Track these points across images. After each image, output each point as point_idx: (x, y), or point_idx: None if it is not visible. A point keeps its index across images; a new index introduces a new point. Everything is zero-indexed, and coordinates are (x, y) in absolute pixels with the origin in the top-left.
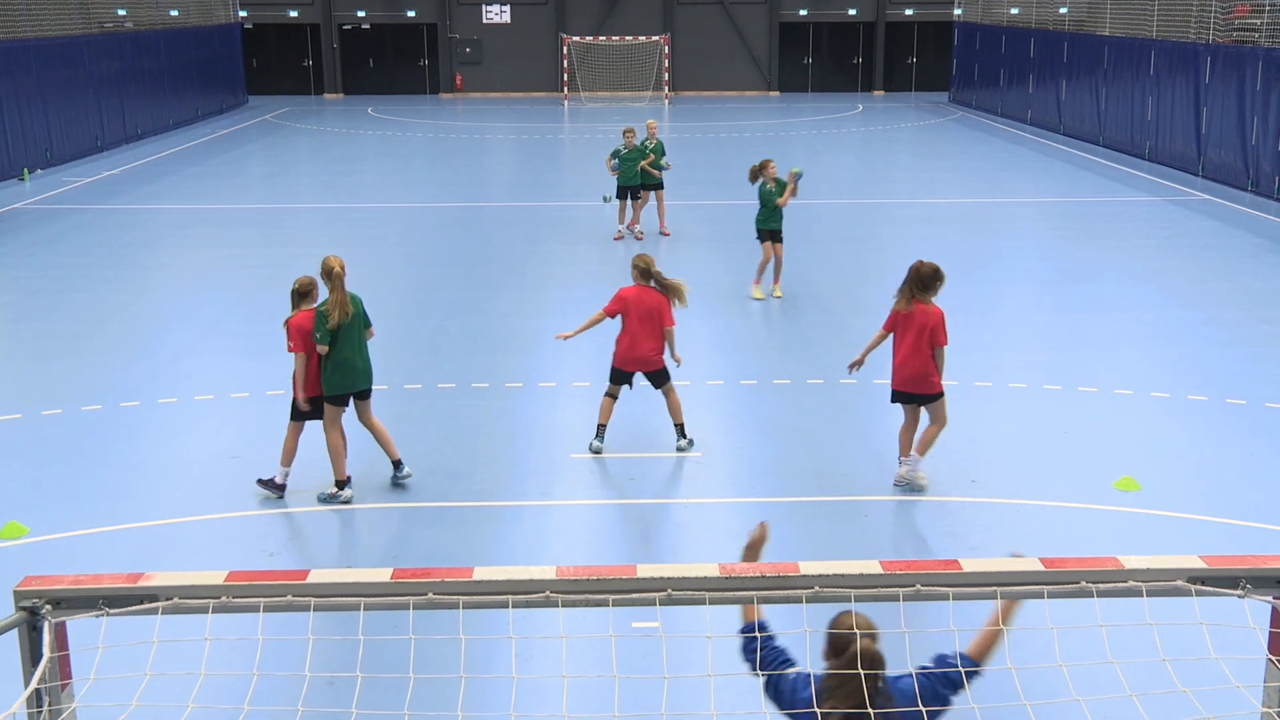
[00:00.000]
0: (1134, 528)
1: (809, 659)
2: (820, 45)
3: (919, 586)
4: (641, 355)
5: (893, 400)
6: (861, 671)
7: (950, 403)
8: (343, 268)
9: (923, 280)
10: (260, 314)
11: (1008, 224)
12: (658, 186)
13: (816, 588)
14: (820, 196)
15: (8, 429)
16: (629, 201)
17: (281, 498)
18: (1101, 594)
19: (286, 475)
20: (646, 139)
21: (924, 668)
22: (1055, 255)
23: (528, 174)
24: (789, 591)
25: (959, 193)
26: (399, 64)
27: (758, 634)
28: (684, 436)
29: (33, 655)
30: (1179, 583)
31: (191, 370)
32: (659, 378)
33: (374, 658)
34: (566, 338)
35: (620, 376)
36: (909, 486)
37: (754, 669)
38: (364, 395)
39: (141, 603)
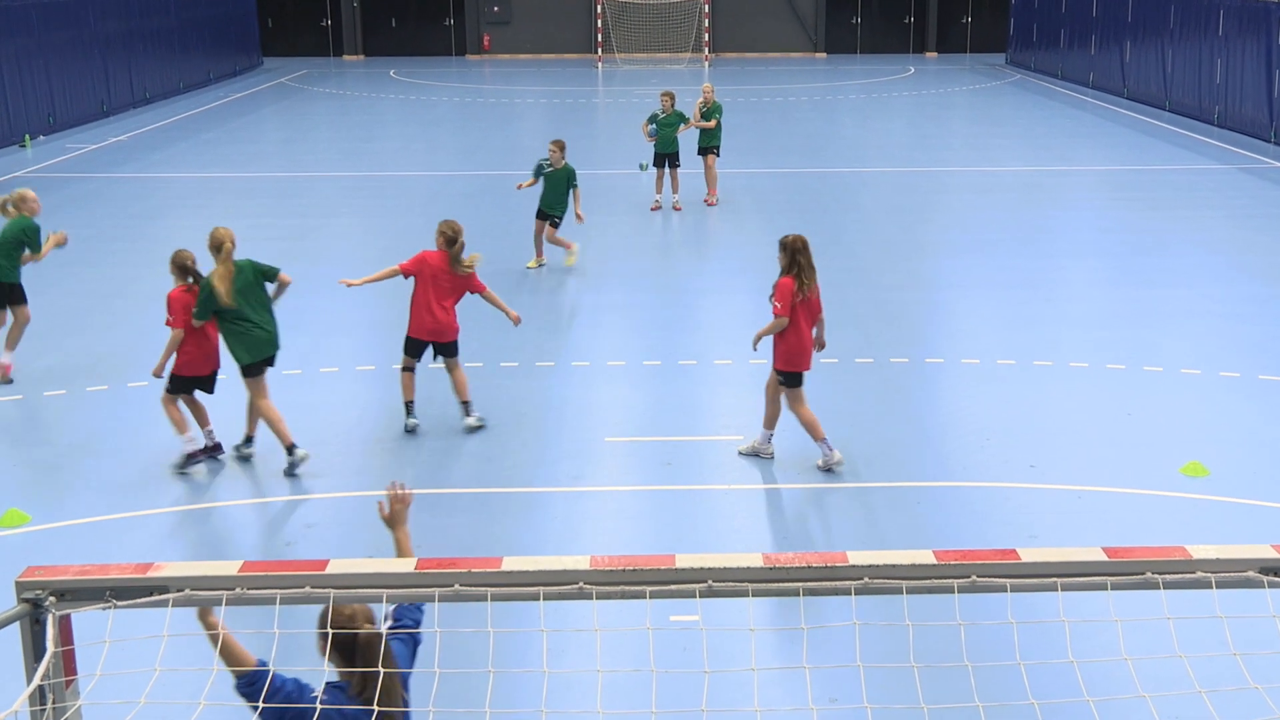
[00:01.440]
0: (1202, 515)
1: (858, 653)
2: (869, 4)
3: (975, 577)
4: (444, 323)
5: (799, 383)
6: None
7: (1008, 382)
8: (233, 241)
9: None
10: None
11: (1069, 194)
12: (712, 149)
13: (866, 579)
14: (869, 164)
15: (8, 411)
16: (666, 169)
17: (213, 457)
18: (1168, 585)
19: (191, 440)
20: (703, 102)
21: (393, 627)
22: (1119, 227)
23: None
24: (837, 583)
25: (1017, 160)
26: (422, 24)
27: (270, 669)
28: (470, 414)
29: (36, 650)
30: (1250, 573)
31: None
32: (450, 349)
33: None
34: (351, 284)
35: (415, 348)
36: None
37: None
38: (268, 364)
39: (151, 594)
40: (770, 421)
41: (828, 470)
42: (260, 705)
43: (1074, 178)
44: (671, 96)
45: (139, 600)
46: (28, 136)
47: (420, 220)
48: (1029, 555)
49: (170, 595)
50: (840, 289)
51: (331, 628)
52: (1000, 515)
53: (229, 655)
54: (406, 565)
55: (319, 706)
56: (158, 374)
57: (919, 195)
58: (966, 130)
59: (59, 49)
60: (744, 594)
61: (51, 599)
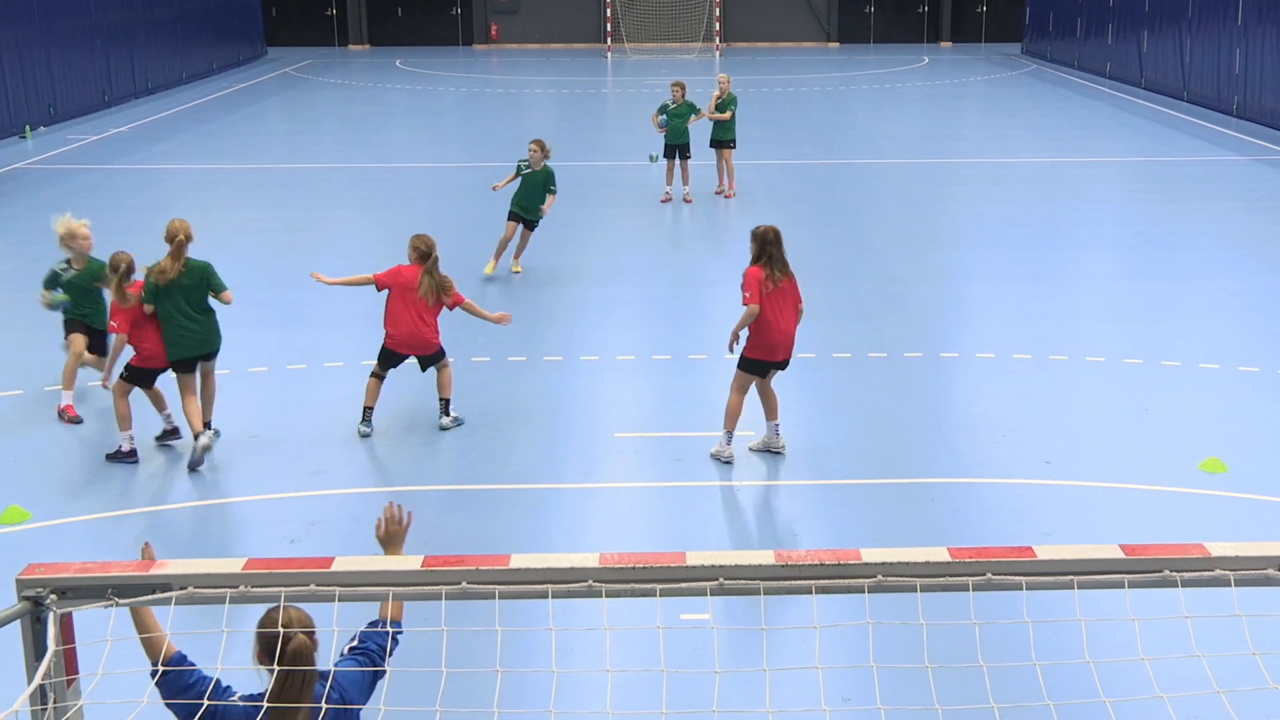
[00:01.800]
0: (1221, 512)
1: (871, 652)
2: None
3: (990, 575)
4: (421, 337)
5: (769, 373)
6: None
7: (1023, 377)
8: (187, 235)
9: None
10: (280, 282)
11: (1085, 185)
12: (728, 143)
13: (880, 576)
14: (883, 156)
15: (8, 405)
16: (677, 161)
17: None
18: (1186, 584)
19: (130, 440)
20: (719, 94)
21: (354, 648)
22: (1136, 219)
23: (568, 132)
24: (850, 581)
25: (1033, 152)
26: (429, 13)
27: (188, 668)
28: (447, 412)
29: (36, 649)
30: (1270, 571)
31: None
32: (434, 360)
33: (403, 651)
34: (324, 281)
35: (393, 360)
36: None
37: (191, 705)
38: (203, 360)
39: (153, 592)
40: (770, 413)
41: (719, 459)
42: (170, 702)
43: (1090, 169)
44: (682, 87)
45: (141, 598)
46: (28, 127)
47: (427, 213)
48: (1045, 553)
49: (173, 593)
50: (853, 282)
51: (264, 629)
52: (1015, 512)
53: (148, 641)
54: (413, 563)
55: (227, 704)
56: (106, 385)
57: (933, 187)
58: (981, 121)
59: (60, 38)
60: (756, 592)
61: (53, 597)
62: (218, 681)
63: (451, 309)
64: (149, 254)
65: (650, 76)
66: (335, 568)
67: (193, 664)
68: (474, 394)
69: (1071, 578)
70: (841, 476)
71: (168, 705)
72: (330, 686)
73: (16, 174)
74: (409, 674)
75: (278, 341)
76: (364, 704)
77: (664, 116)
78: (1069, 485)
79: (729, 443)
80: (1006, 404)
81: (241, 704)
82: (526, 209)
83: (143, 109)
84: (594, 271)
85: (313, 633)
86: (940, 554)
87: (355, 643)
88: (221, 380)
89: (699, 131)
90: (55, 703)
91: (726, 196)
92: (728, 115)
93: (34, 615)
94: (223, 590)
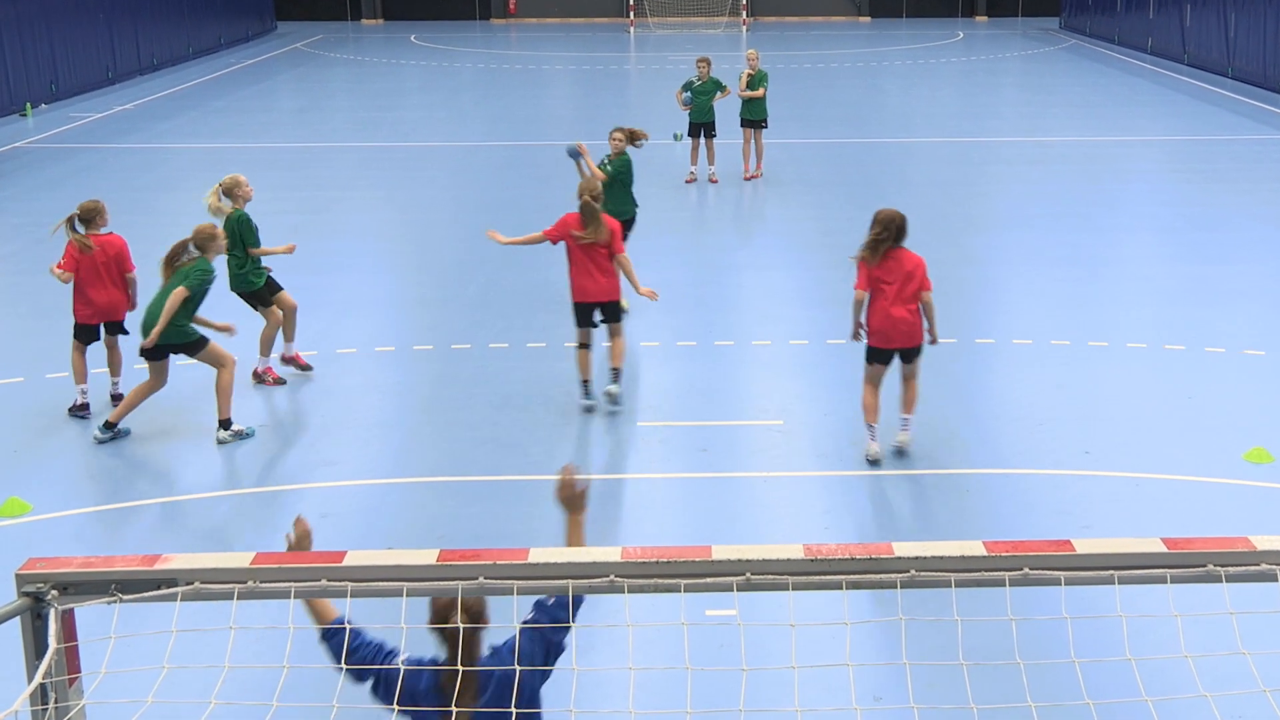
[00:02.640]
0: (1267, 504)
1: (904, 650)
2: None
3: (1027, 570)
4: (602, 286)
5: (871, 359)
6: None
7: (1062, 363)
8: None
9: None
10: (291, 265)
11: (1126, 165)
12: (759, 123)
13: (913, 571)
14: (916, 134)
15: (9, 393)
16: (702, 140)
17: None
18: (1230, 578)
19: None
20: (750, 71)
21: (527, 621)
22: (1179, 200)
23: (590, 110)
24: (882, 576)
25: (1071, 130)
26: None
27: (346, 627)
28: (617, 381)
29: (37, 647)
30: None
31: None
32: (614, 313)
33: (418, 649)
34: (502, 241)
35: (582, 315)
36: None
37: (360, 669)
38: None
39: (159, 588)
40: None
41: (873, 462)
42: (342, 666)
43: (1131, 148)
44: (708, 63)
45: (146, 594)
46: (29, 105)
47: (444, 193)
48: (1084, 546)
49: (179, 588)
50: None
51: (431, 620)
52: (1054, 504)
53: (310, 605)
54: (429, 557)
55: (398, 668)
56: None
57: (968, 167)
58: (1018, 98)
59: (62, 13)
60: (784, 587)
61: (54, 592)
62: (382, 645)
63: (611, 259)
64: (154, 235)
65: (674, 52)
66: (347, 562)
67: (354, 629)
68: (493, 381)
69: (1112, 572)
70: (873, 468)
71: (337, 670)
72: (499, 659)
73: (16, 153)
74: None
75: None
76: (541, 681)
77: (689, 94)
78: (1109, 476)
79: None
80: (1044, 392)
81: (406, 667)
82: (747, 110)
83: (148, 86)
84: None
85: (481, 609)
86: (976, 548)
87: (530, 615)
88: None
89: (725, 110)
90: (56, 703)
91: (752, 177)
92: (761, 92)
93: (34, 612)
94: (230, 586)
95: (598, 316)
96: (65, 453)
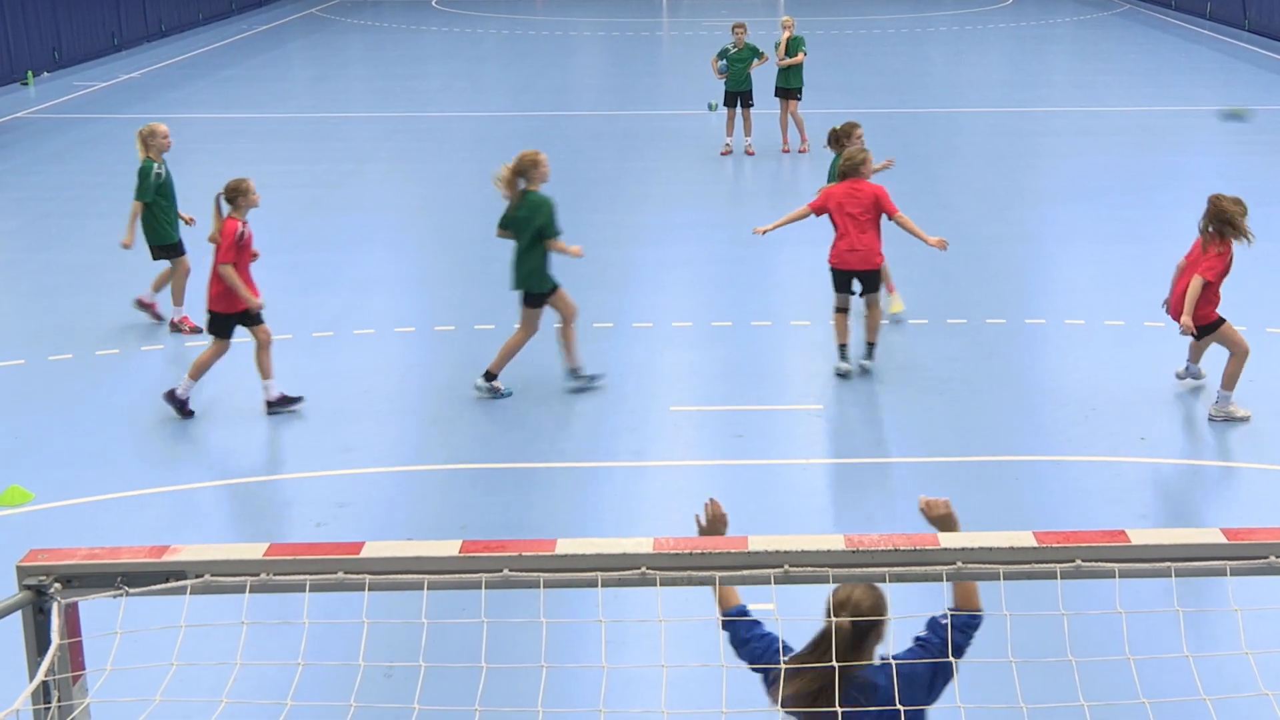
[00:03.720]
0: None
1: (950, 645)
2: None
3: (1079, 562)
4: (860, 253)
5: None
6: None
7: (1116, 345)
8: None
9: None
10: (306, 241)
11: (1184, 136)
12: (793, 93)
13: (959, 563)
14: (963, 104)
15: (10, 377)
16: (738, 110)
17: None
18: None
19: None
20: (787, 36)
21: (920, 638)
22: (1240, 173)
23: (620, 78)
24: (927, 568)
25: (1126, 100)
26: None
27: (750, 620)
28: (871, 357)
29: (39, 642)
30: None
31: None
32: (873, 281)
33: (439, 645)
34: (763, 231)
35: (841, 280)
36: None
37: (753, 661)
38: None
39: (167, 580)
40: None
41: (1225, 419)
42: (739, 651)
43: (1190, 119)
44: (744, 29)
45: (153, 587)
46: (30, 73)
47: (465, 166)
48: (1139, 537)
49: (188, 581)
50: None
51: (826, 614)
52: (1108, 493)
53: (719, 591)
54: (450, 549)
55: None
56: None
57: (1018, 138)
58: (1070, 66)
59: None
60: (824, 580)
61: (57, 585)
62: (774, 639)
63: (890, 218)
64: None
65: (709, 18)
66: (365, 554)
67: (755, 618)
68: (516, 365)
69: (1169, 564)
70: (918, 454)
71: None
72: (876, 677)
73: (17, 124)
74: (445, 670)
75: (301, 306)
76: (927, 702)
77: (724, 62)
78: (1166, 464)
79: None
80: (1098, 375)
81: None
82: (782, 78)
83: (155, 53)
84: (648, 230)
85: (876, 605)
86: (1025, 539)
87: (922, 632)
88: (241, 349)
89: (762, 78)
90: (59, 701)
91: (801, 151)
92: (800, 58)
93: (36, 605)
94: (243, 579)
95: (856, 286)
96: (68, 439)
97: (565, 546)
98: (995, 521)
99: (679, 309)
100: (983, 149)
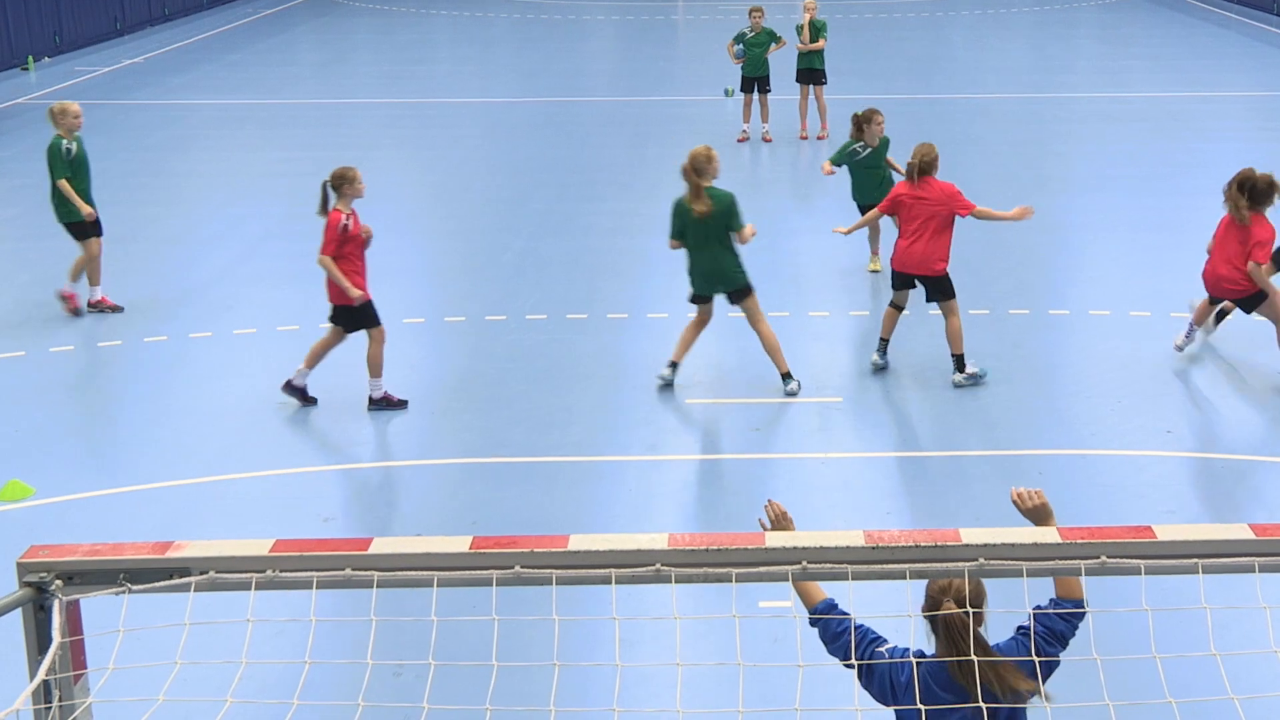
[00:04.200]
0: None
1: (971, 645)
2: None
3: (1104, 558)
4: (916, 256)
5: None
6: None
7: (1142, 336)
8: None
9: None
10: (312, 231)
11: (1211, 123)
12: (816, 78)
13: (981, 560)
14: (985, 90)
15: (10, 369)
16: (755, 95)
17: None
18: None
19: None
20: (808, 17)
21: (1022, 627)
22: (1268, 161)
23: (634, 63)
24: (949, 564)
25: (1152, 85)
26: None
27: (838, 616)
28: (961, 369)
29: (40, 641)
30: None
31: (230, 299)
32: (937, 288)
33: (449, 643)
34: (846, 232)
35: (899, 281)
36: None
37: (846, 657)
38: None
39: (171, 577)
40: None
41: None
42: (830, 647)
43: (1217, 105)
44: (761, 12)
45: (157, 584)
46: (31, 58)
47: (475, 154)
48: (1166, 533)
49: (192, 578)
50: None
51: (925, 607)
52: (1133, 487)
53: (800, 587)
54: (461, 544)
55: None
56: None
57: (1041, 125)
58: (1095, 51)
59: None
60: (843, 577)
61: (58, 582)
62: (868, 632)
63: (965, 216)
64: (165, 198)
65: (725, 1)
66: (373, 550)
67: (843, 613)
68: (530, 355)
69: (1195, 560)
70: (938, 448)
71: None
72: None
73: (18, 110)
74: (455, 669)
75: (307, 297)
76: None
77: (740, 46)
78: (1193, 457)
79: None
80: (1123, 366)
81: (900, 660)
82: (804, 60)
83: (159, 37)
84: (662, 219)
85: (968, 608)
86: (1049, 534)
87: (1025, 622)
88: (248, 340)
89: (780, 63)
90: (61, 701)
91: (820, 138)
92: (821, 44)
93: (37, 603)
94: (248, 575)
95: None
96: (70, 432)
97: (578, 542)
98: (1018, 517)
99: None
100: (1005, 135)
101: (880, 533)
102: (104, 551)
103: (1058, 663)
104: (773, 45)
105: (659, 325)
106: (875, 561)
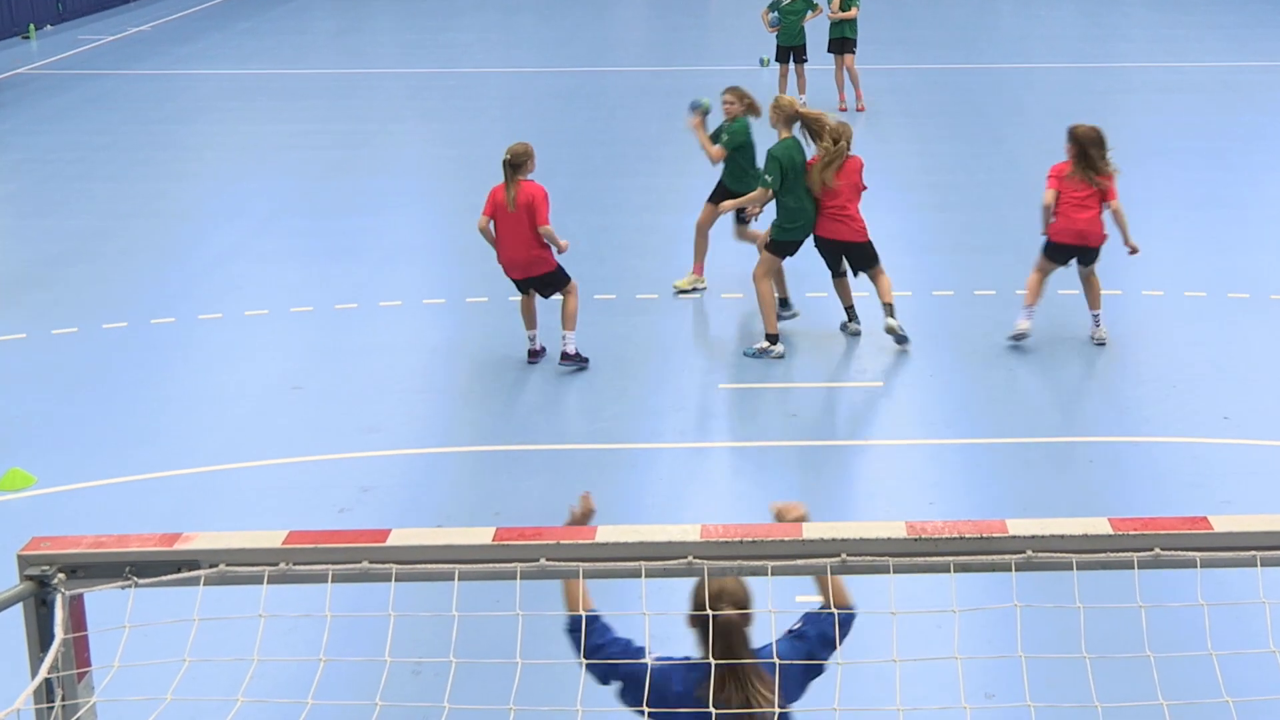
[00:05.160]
0: None
1: (1019, 641)
2: None
3: (1158, 550)
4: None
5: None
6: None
7: (1197, 318)
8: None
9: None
10: (327, 207)
11: (1270, 94)
12: (847, 47)
13: (1029, 552)
14: (1033, 59)
15: (10, 352)
16: (791, 65)
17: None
18: None
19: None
20: None
21: (791, 631)
22: None
23: (664, 32)
24: (994, 557)
25: (1209, 54)
26: None
27: (583, 627)
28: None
29: (41, 637)
30: None
31: (241, 278)
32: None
33: (471, 639)
34: None
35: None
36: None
37: (606, 672)
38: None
39: (179, 570)
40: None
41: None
42: (583, 661)
43: (1277, 75)
44: None
45: (165, 577)
46: (32, 26)
47: (498, 125)
48: (1222, 524)
49: (202, 571)
50: (997, 207)
51: (693, 605)
52: (1189, 476)
53: (566, 590)
54: (484, 536)
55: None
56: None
57: (1092, 96)
58: (1148, 18)
59: None
60: (884, 570)
61: (61, 576)
62: (630, 642)
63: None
64: (172, 173)
65: None
66: (391, 542)
67: (602, 624)
68: (556, 338)
69: (1254, 553)
70: (984, 434)
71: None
72: (769, 670)
73: (19, 80)
74: (478, 666)
75: (322, 276)
76: (795, 697)
77: (775, 14)
78: (1251, 445)
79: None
80: (1178, 349)
81: (664, 665)
82: (836, 29)
83: (167, 4)
84: (694, 195)
85: (746, 612)
86: (1101, 525)
87: (797, 625)
88: (259, 321)
89: (817, 32)
90: (64, 700)
91: (858, 110)
92: (854, 12)
93: (39, 598)
94: (260, 569)
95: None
96: (73, 419)
97: (606, 534)
98: (1068, 507)
99: (727, 279)
100: (1053, 107)
101: (923, 523)
102: (109, 543)
103: (824, 669)
104: (809, 13)
105: (691, 306)
106: (917, 554)
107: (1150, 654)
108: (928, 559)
